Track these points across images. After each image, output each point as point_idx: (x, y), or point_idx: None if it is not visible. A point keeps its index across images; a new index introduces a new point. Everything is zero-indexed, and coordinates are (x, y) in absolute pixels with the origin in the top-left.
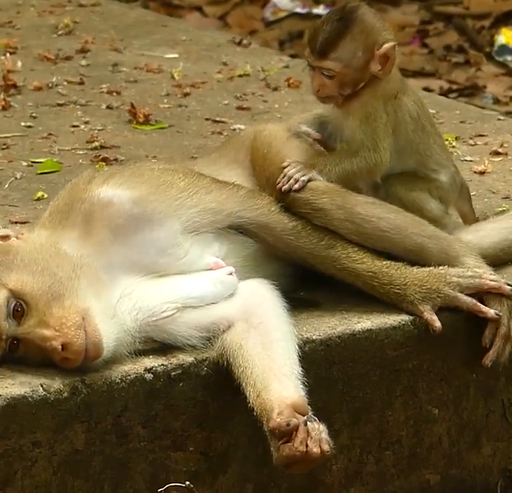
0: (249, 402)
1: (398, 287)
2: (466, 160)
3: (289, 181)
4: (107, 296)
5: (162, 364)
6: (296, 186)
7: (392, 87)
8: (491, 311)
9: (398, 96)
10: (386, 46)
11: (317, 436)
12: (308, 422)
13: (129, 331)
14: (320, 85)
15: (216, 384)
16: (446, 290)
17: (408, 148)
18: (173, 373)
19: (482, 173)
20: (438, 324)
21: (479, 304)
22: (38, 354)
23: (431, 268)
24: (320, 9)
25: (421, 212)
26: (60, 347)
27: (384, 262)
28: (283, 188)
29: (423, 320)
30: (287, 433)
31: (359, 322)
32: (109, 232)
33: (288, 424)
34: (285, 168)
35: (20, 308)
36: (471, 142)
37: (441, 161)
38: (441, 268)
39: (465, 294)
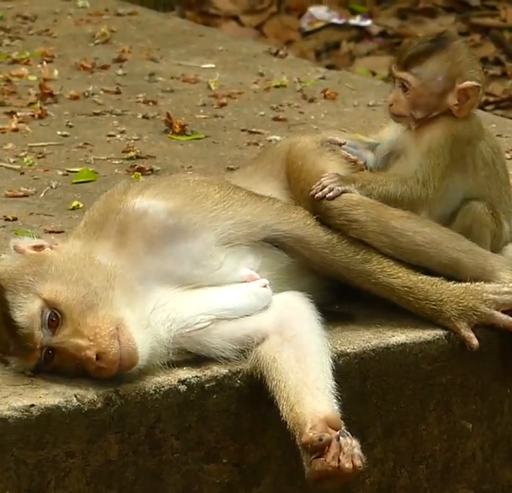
0: (282, 416)
1: (433, 303)
2: None
3: (323, 189)
4: (141, 306)
5: (196, 376)
6: (330, 194)
7: (467, 131)
8: None
9: (473, 143)
10: (469, 82)
11: (349, 451)
12: (341, 437)
13: (162, 342)
14: (394, 100)
15: (250, 396)
16: (482, 308)
17: (479, 192)
18: (207, 385)
19: None
20: (475, 341)
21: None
22: (73, 364)
23: (467, 283)
24: (357, 20)
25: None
26: (95, 357)
27: (419, 277)
28: (317, 195)
29: (459, 336)
30: (320, 448)
31: (393, 336)
32: (144, 243)
33: (321, 439)
34: (322, 177)
35: (54, 318)
36: (507, 155)
37: (507, 211)
38: (477, 284)
39: (502, 311)
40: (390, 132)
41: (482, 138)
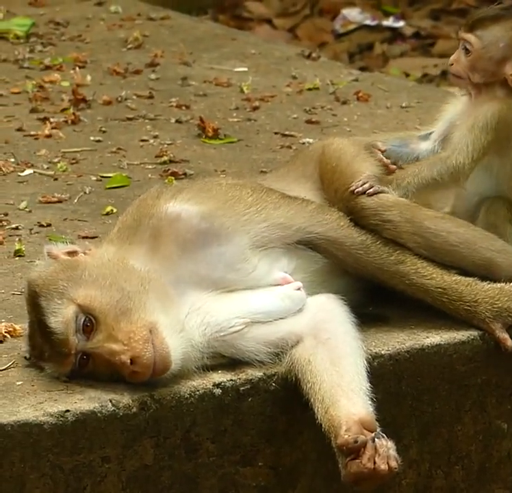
0: (317, 418)
1: (468, 304)
2: None
3: (363, 185)
4: (174, 310)
5: (231, 379)
6: (370, 190)
7: None
8: None
9: None
10: None
11: (385, 453)
12: (376, 439)
13: (196, 346)
14: (455, 60)
15: (285, 399)
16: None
17: (511, 181)
18: (242, 388)
19: None
20: (510, 343)
21: None
22: (107, 369)
23: (502, 284)
24: (390, 21)
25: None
26: (129, 361)
27: (454, 278)
28: (357, 190)
29: (493, 338)
30: (355, 450)
31: (427, 337)
32: (177, 247)
33: (356, 441)
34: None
35: (89, 323)
36: None
37: None
38: (511, 284)
39: None
40: (447, 113)
41: None
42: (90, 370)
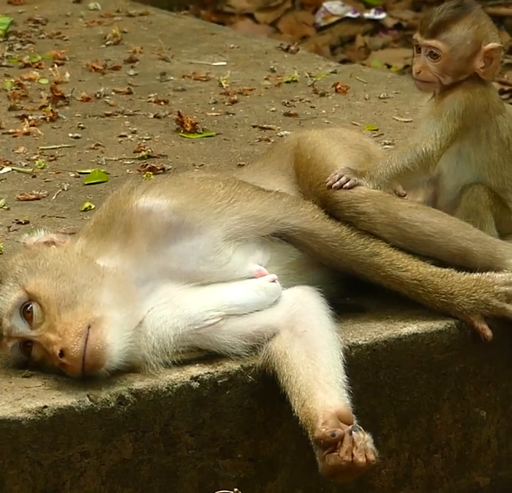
0: (294, 412)
1: (444, 296)
2: None
3: (340, 179)
4: (132, 306)
5: (208, 372)
6: (347, 184)
7: (484, 98)
8: None
9: (489, 112)
10: (493, 44)
11: (362, 446)
12: (353, 432)
13: (164, 341)
14: (422, 67)
15: (263, 391)
16: (494, 301)
17: (490, 168)
18: (219, 381)
19: None
20: (489, 332)
21: None
22: (48, 359)
23: (478, 275)
24: (371, 13)
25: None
26: (59, 352)
27: (429, 270)
28: (334, 185)
29: (472, 328)
30: (332, 443)
31: (405, 327)
32: (148, 242)
33: (333, 435)
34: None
35: (30, 310)
36: None
37: None
38: (488, 275)
39: None
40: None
41: (500, 113)
42: (38, 359)
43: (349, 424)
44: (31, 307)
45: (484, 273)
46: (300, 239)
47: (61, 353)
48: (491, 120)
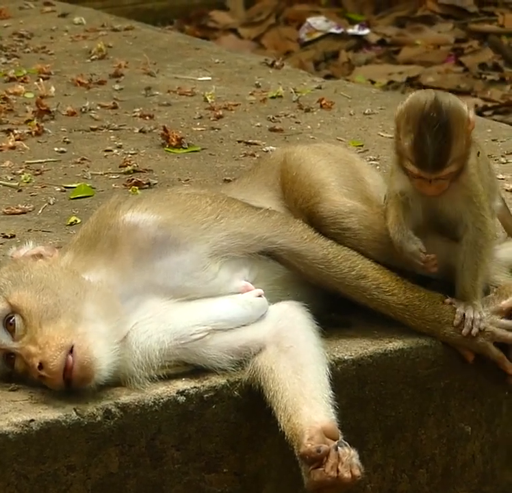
0: (280, 427)
1: (430, 323)
2: (498, 178)
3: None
4: (117, 321)
5: (195, 387)
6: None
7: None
8: None
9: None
10: (471, 117)
11: (348, 461)
12: (339, 447)
13: (150, 355)
14: (439, 189)
15: (249, 405)
16: (479, 339)
17: (486, 190)
18: (206, 395)
19: None
20: (472, 358)
21: (506, 359)
22: (30, 371)
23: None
24: (355, 29)
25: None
26: (37, 365)
27: (417, 294)
28: (464, 332)
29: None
30: (318, 459)
31: (390, 342)
32: (134, 257)
33: (319, 450)
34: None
35: (12, 322)
36: (502, 160)
37: (496, 188)
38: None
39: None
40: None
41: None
42: (21, 372)
43: (335, 440)
44: (14, 319)
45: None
46: (286, 259)
47: (41, 366)
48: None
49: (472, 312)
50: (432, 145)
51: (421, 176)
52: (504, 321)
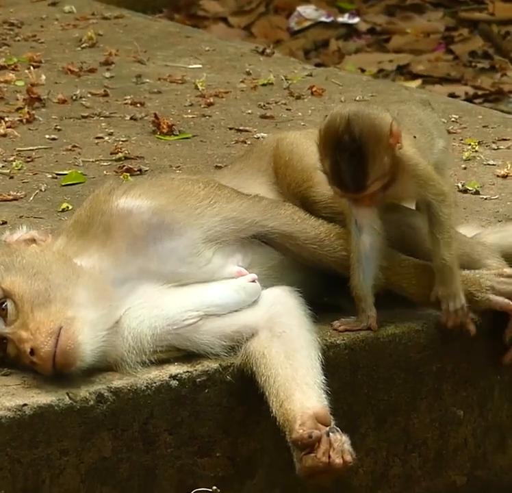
0: (272, 412)
1: (428, 289)
2: (489, 164)
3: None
4: (107, 306)
5: (187, 371)
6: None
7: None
8: None
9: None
10: (394, 130)
11: (339, 447)
12: (330, 433)
13: (141, 340)
14: (370, 203)
15: (241, 390)
16: (479, 295)
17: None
18: (198, 380)
19: (505, 177)
20: (473, 327)
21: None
22: (22, 356)
23: (467, 272)
24: (345, 18)
25: None
26: (29, 351)
27: (413, 262)
28: (449, 324)
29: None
30: (310, 445)
31: (382, 326)
32: (128, 243)
33: (310, 436)
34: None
35: (5, 307)
36: (494, 146)
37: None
38: (477, 272)
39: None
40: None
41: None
42: (13, 356)
43: (327, 426)
44: (6, 304)
45: (473, 271)
46: (279, 242)
47: (32, 352)
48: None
49: (454, 304)
50: (348, 170)
51: (348, 196)
52: (503, 278)
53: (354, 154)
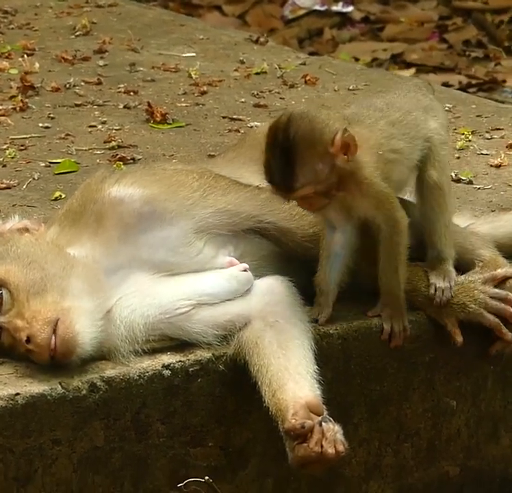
0: (264, 402)
1: (423, 295)
2: (482, 154)
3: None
4: (101, 295)
5: (180, 360)
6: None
7: (370, 152)
8: (509, 334)
9: (383, 148)
10: (336, 139)
11: (332, 437)
12: (323, 423)
13: (133, 329)
14: (308, 207)
15: (234, 379)
16: (472, 307)
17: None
18: (191, 369)
19: (498, 166)
20: (460, 338)
21: (503, 326)
22: (17, 346)
23: (462, 278)
24: (339, 7)
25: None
26: (25, 339)
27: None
28: (391, 345)
29: (445, 330)
30: (302, 435)
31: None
32: (119, 231)
33: (303, 426)
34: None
35: (0, 296)
36: (487, 135)
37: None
38: (470, 279)
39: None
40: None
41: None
42: (7, 346)
43: (319, 415)
44: (1, 293)
45: (466, 277)
46: (275, 236)
47: (28, 340)
48: (383, 144)
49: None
50: (276, 168)
51: (282, 196)
52: (496, 290)
53: (284, 153)
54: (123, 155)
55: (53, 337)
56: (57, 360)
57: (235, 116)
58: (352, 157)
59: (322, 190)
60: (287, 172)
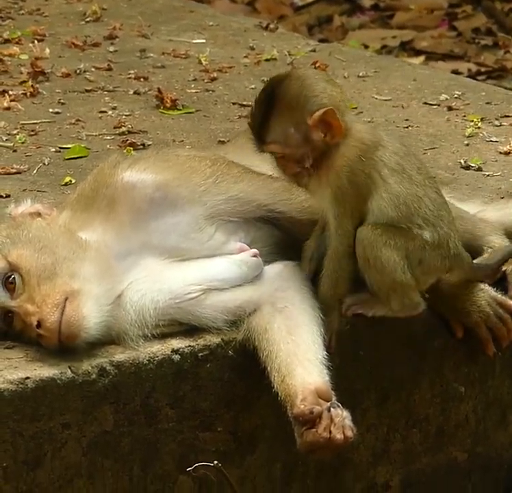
0: (273, 387)
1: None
2: (492, 141)
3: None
4: (111, 280)
5: (189, 345)
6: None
7: (353, 151)
8: (493, 351)
9: (368, 156)
10: (317, 114)
11: (340, 423)
12: (331, 409)
13: (143, 314)
14: (281, 166)
15: (243, 364)
16: (474, 316)
17: (395, 201)
18: (200, 354)
19: (507, 153)
20: (460, 334)
21: (491, 343)
22: (28, 330)
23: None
24: None
25: (387, 273)
26: (36, 323)
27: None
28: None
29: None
30: (311, 420)
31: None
32: (131, 216)
33: (311, 412)
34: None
35: (13, 281)
36: (496, 122)
37: (428, 218)
38: (481, 288)
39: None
40: None
41: (377, 147)
42: (19, 330)
43: (328, 401)
44: (14, 277)
45: (479, 286)
46: (286, 226)
47: (39, 324)
48: (375, 160)
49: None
50: (256, 115)
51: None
52: (501, 311)
53: (267, 105)
54: (133, 140)
55: (60, 319)
56: (62, 342)
57: (244, 102)
58: (332, 139)
59: (292, 155)
60: (262, 123)
